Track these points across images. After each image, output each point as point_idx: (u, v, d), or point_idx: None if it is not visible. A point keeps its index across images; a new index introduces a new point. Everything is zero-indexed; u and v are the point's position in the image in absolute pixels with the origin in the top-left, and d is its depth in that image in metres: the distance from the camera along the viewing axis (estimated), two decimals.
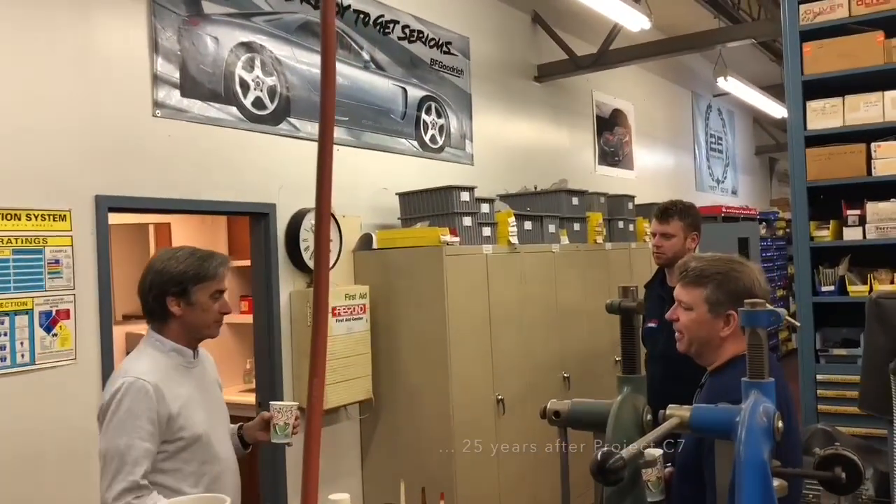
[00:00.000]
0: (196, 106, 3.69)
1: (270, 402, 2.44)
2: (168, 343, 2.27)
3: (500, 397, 4.43)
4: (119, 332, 4.31)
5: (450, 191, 4.41)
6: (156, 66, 3.51)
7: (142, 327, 2.34)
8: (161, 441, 2.16)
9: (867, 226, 3.74)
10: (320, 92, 0.71)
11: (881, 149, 3.71)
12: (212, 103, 3.76)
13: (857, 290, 3.74)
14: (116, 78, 3.37)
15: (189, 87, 3.65)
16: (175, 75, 3.59)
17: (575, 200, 5.49)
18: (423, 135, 5.16)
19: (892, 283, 3.68)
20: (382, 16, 4.86)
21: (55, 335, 3.09)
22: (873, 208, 3.73)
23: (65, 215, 3.15)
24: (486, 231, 4.58)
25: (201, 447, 2.23)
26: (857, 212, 3.77)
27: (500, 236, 4.67)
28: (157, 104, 3.51)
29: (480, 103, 5.76)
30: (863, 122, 3.77)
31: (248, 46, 3.96)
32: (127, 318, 4.70)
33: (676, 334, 2.11)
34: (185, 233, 5.06)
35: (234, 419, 2.53)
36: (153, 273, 2.27)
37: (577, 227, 5.47)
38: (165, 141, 3.56)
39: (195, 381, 2.30)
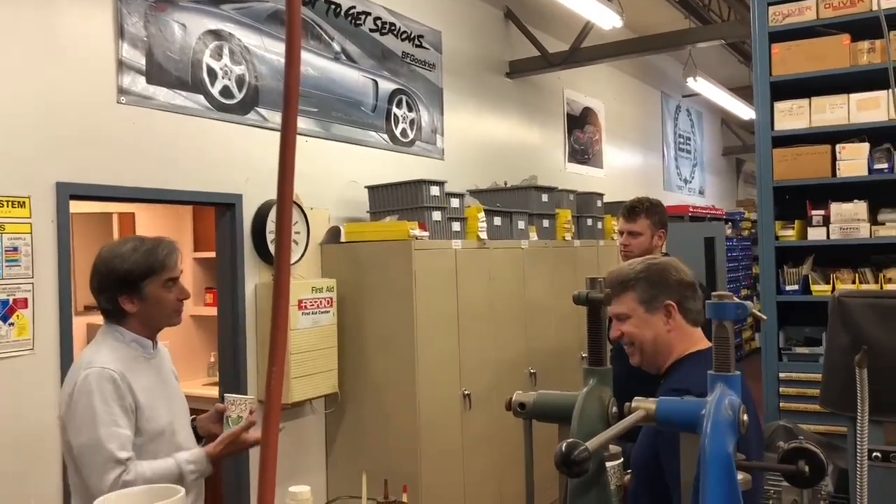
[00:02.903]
0: (162, 93, 3.62)
1: (225, 395, 2.40)
2: (128, 334, 2.20)
3: (466, 392, 4.43)
4: (80, 323, 4.22)
5: (420, 185, 4.39)
6: (121, 51, 3.44)
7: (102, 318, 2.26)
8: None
9: (831, 226, 3.79)
10: (284, 74, 0.69)
11: (845, 150, 3.76)
12: (178, 91, 3.69)
13: (820, 289, 3.79)
14: (80, 63, 3.30)
15: (155, 73, 3.59)
16: (141, 62, 3.52)
17: (544, 197, 5.50)
18: (394, 128, 5.13)
19: (853, 282, 3.74)
20: (354, 7, 4.81)
21: (12, 325, 3.01)
22: (837, 209, 3.78)
23: (24, 202, 3.07)
24: (456, 226, 4.57)
25: (166, 439, 2.18)
26: (822, 212, 3.82)
27: (470, 231, 4.66)
28: (121, 91, 3.44)
29: (452, 98, 5.75)
30: (828, 123, 3.82)
31: (216, 34, 3.90)
32: (88, 309, 4.60)
33: (626, 349, 2.02)
34: (150, 222, 4.97)
35: (196, 412, 2.48)
36: (99, 275, 2.17)
37: (546, 223, 5.48)
38: (130, 128, 3.49)
39: (155, 372, 2.25)
